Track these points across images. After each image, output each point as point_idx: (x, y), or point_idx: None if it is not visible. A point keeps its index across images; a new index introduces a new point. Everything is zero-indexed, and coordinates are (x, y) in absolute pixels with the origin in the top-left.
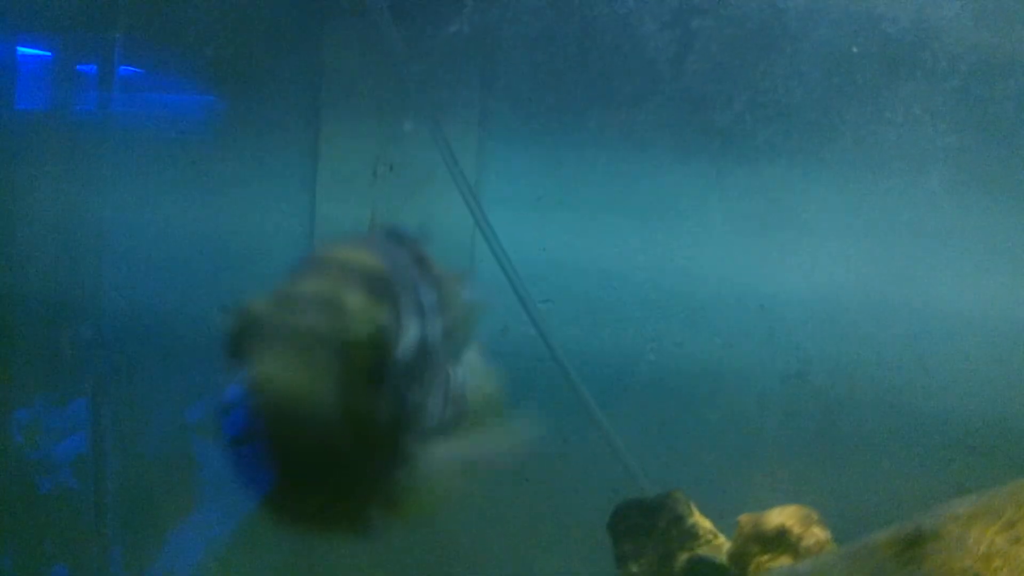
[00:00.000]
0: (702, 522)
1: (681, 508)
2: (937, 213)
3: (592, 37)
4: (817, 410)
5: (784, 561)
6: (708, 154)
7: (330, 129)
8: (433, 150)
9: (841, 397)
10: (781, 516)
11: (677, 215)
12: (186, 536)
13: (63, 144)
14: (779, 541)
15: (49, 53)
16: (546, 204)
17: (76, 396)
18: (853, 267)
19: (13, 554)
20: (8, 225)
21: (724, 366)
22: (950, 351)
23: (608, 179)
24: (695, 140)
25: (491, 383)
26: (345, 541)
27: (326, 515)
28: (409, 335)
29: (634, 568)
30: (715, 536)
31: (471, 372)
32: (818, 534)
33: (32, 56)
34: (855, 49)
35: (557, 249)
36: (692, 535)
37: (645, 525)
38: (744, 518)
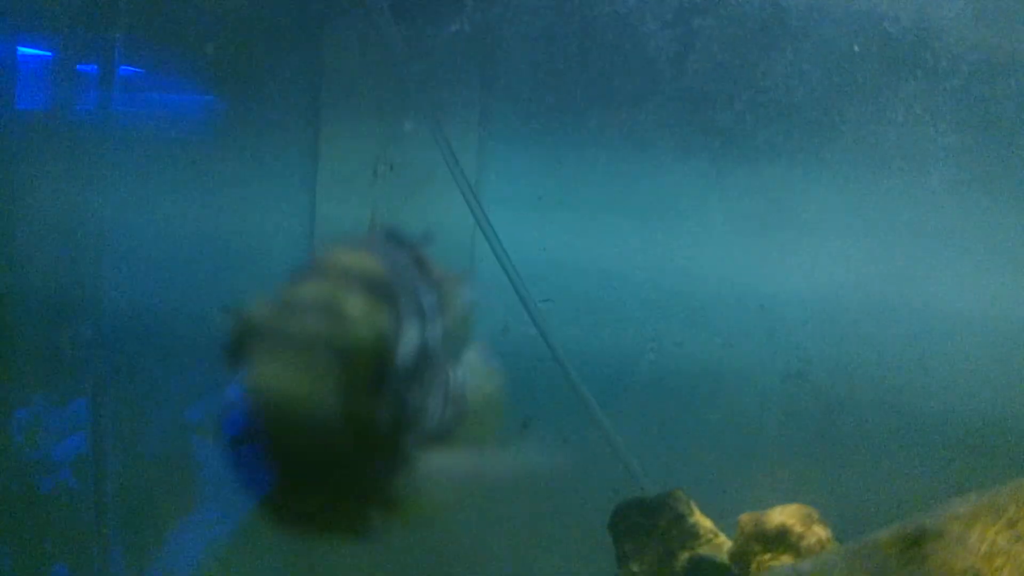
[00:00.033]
0: (703, 521)
1: (682, 507)
2: (938, 213)
3: (593, 36)
4: (817, 410)
5: (785, 560)
6: (709, 154)
7: (330, 129)
8: (433, 150)
9: (841, 397)
10: (782, 515)
11: (677, 215)
12: (186, 536)
13: (63, 144)
14: (780, 540)
15: (49, 53)
16: (546, 204)
17: (76, 396)
18: (853, 267)
19: (13, 554)
20: (8, 225)
21: (724, 366)
22: (950, 351)
23: (608, 179)
24: (696, 140)
25: (491, 382)
26: (345, 543)
27: (327, 518)
28: (410, 338)
29: (635, 567)
30: (716, 535)
31: (471, 372)
32: (819, 533)
33: (33, 56)
34: (856, 48)
35: (557, 249)
36: (693, 534)
37: (646, 524)
38: (745, 517)
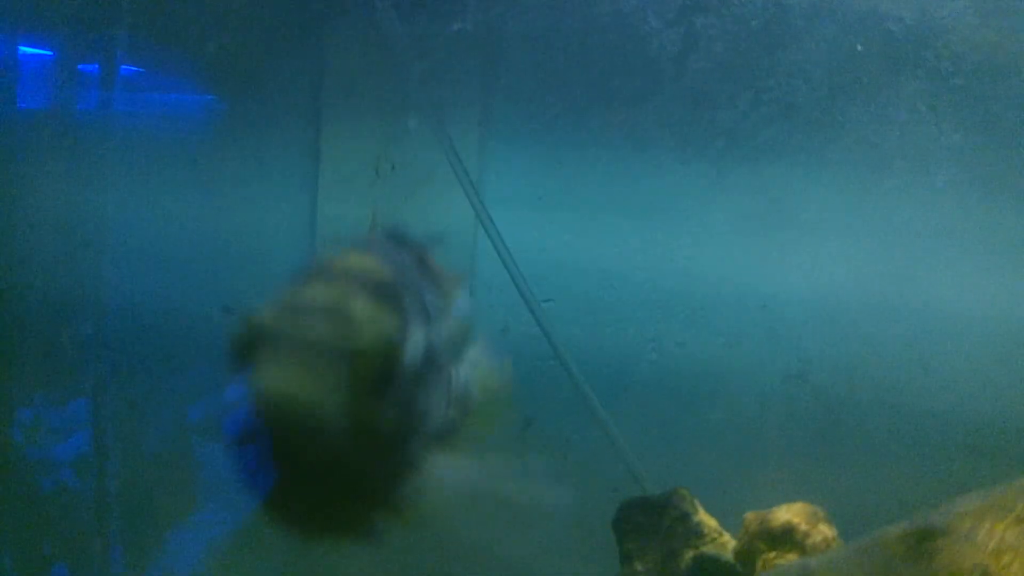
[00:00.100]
0: (707, 520)
1: (686, 506)
2: (939, 213)
3: (594, 35)
4: (818, 410)
5: (790, 558)
6: (710, 153)
7: (331, 128)
8: (435, 149)
9: (842, 397)
10: (788, 513)
11: (679, 215)
12: (187, 536)
13: (64, 143)
14: (786, 538)
15: (51, 52)
16: (547, 203)
17: (77, 395)
18: (855, 267)
19: (14, 554)
20: (9, 224)
21: (725, 366)
22: (951, 351)
23: (609, 178)
24: (697, 139)
25: (496, 378)
26: (349, 545)
27: (332, 520)
28: (415, 341)
29: (639, 566)
30: (720, 534)
31: (474, 369)
32: (825, 531)
33: (34, 55)
34: (859, 48)
35: (558, 249)
36: (697, 533)
37: (650, 523)
38: (750, 516)
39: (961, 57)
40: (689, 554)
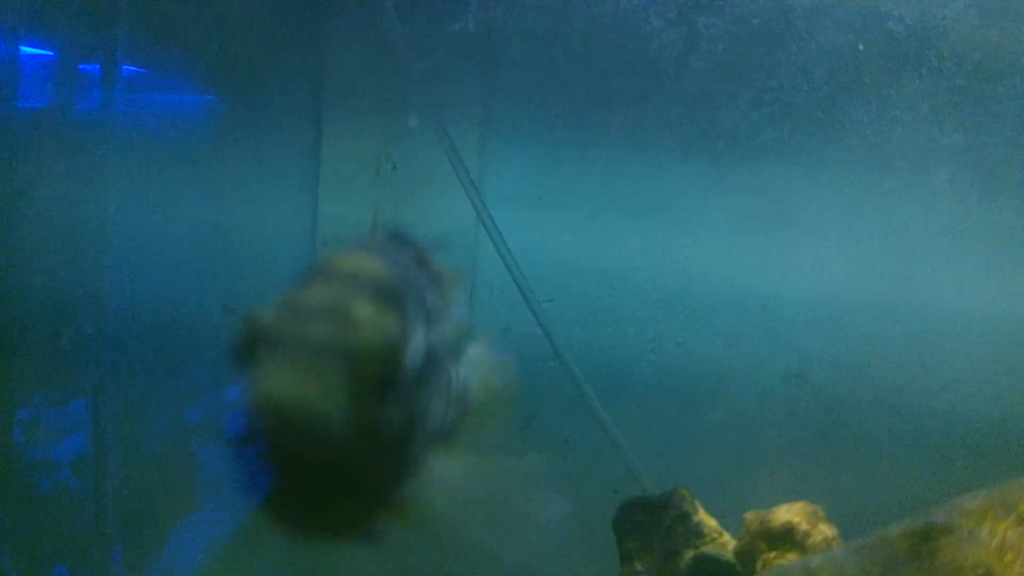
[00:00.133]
0: (707, 520)
1: (686, 506)
2: (940, 212)
3: (596, 35)
4: (818, 410)
5: (791, 558)
6: (711, 153)
7: (332, 128)
8: (435, 148)
9: (842, 397)
10: (788, 513)
11: (679, 215)
12: (187, 536)
13: (65, 143)
14: (786, 538)
15: (51, 52)
16: (547, 203)
17: (77, 395)
18: (855, 267)
19: (13, 553)
20: (10, 224)
21: (726, 366)
22: (951, 351)
23: (610, 178)
24: (698, 139)
25: (497, 377)
26: (350, 546)
27: (334, 521)
28: (417, 342)
29: (639, 566)
30: (720, 534)
31: (475, 369)
32: (825, 531)
33: (34, 55)
34: (860, 47)
35: (558, 249)
36: (697, 533)
37: (650, 523)
38: (750, 515)
39: (962, 57)
40: (689, 554)
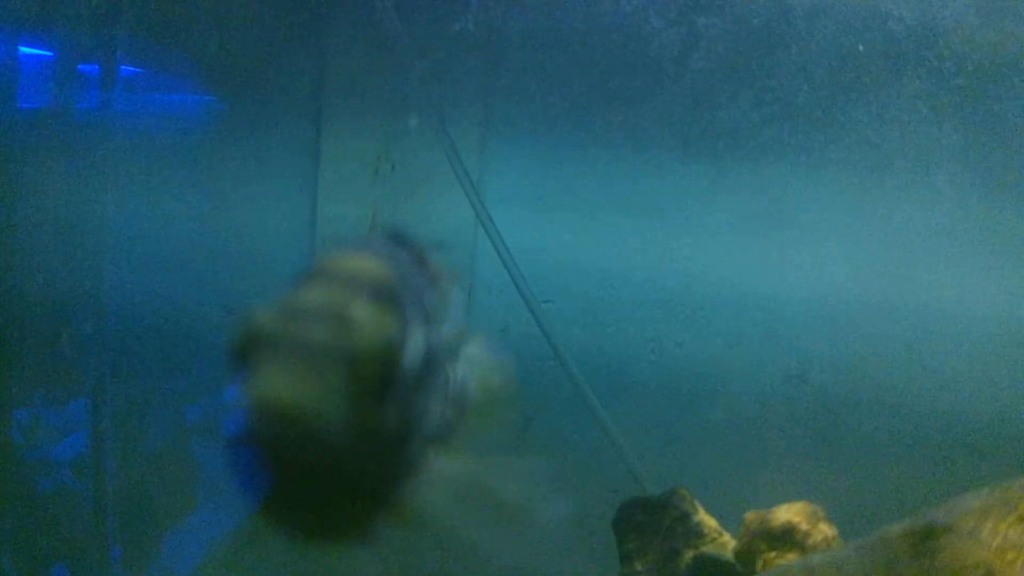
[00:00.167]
0: (707, 520)
1: (686, 506)
2: (940, 212)
3: (596, 35)
4: (818, 410)
5: (791, 558)
6: (711, 153)
7: (332, 128)
8: (435, 148)
9: (842, 397)
10: (788, 513)
11: (679, 215)
12: (186, 536)
13: (65, 144)
14: (786, 538)
15: (51, 53)
16: (547, 204)
17: (76, 395)
18: (855, 267)
19: (13, 554)
20: (9, 224)
21: (725, 366)
22: (951, 351)
23: (610, 178)
24: (699, 139)
25: (497, 377)
26: (349, 548)
27: (333, 524)
28: (416, 343)
29: (639, 566)
30: (720, 534)
31: (473, 368)
32: (825, 531)
33: (34, 56)
34: (861, 47)
35: (558, 249)
36: (697, 533)
37: (650, 523)
38: (750, 515)
39: (962, 57)
40: (689, 554)
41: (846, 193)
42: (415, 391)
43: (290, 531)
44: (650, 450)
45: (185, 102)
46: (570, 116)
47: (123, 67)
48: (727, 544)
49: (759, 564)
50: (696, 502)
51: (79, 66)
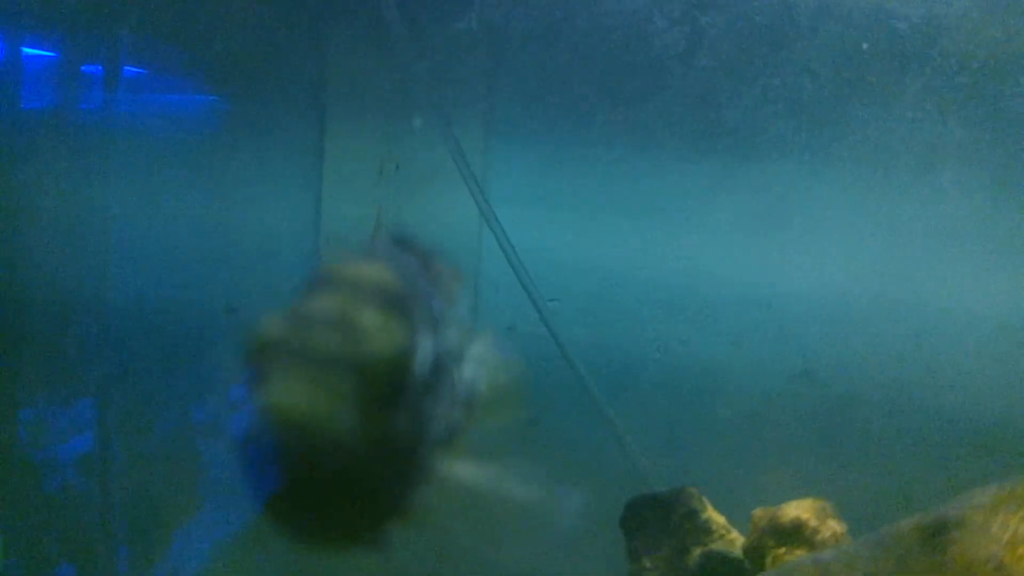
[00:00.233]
0: (716, 517)
1: (694, 503)
2: (945, 210)
3: (600, 33)
4: (824, 408)
5: (800, 554)
6: (716, 152)
7: (335, 128)
8: (439, 148)
9: (848, 395)
10: (797, 509)
11: (683, 213)
12: (192, 536)
13: (68, 144)
14: (795, 534)
15: (54, 53)
16: (551, 203)
17: (81, 395)
18: (860, 265)
19: (19, 553)
20: (14, 224)
21: (730, 365)
22: (957, 349)
23: (614, 177)
24: (703, 138)
25: (504, 375)
26: (358, 552)
27: (343, 530)
28: (424, 349)
29: (647, 563)
30: (729, 531)
31: (480, 369)
32: (834, 527)
33: (37, 56)
34: (865, 46)
35: (562, 248)
36: (706, 530)
37: (658, 520)
38: (758, 512)
39: (966, 54)
40: (698, 551)
41: (850, 191)
42: (424, 397)
43: (301, 536)
44: (655, 448)
45: (189, 102)
46: (573, 115)
47: (127, 67)
48: (736, 541)
49: (768, 561)
50: (704, 499)
51: (83, 66)
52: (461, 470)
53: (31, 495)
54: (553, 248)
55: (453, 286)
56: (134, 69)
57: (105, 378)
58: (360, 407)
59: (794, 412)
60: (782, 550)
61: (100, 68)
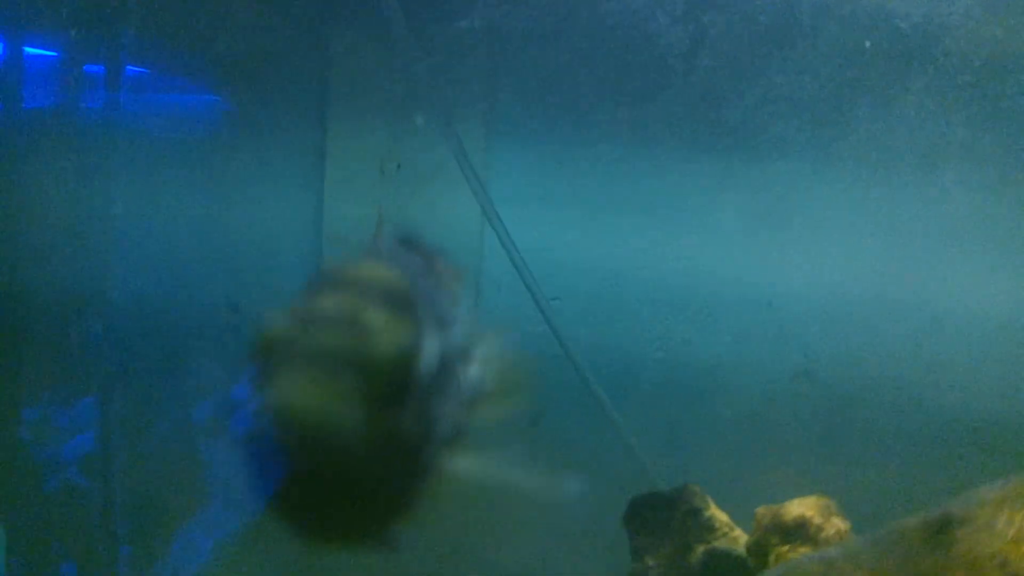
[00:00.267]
0: (719, 515)
1: (697, 501)
2: (947, 209)
3: (602, 32)
4: (825, 407)
5: (803, 552)
6: (718, 151)
7: (337, 127)
8: (441, 147)
9: (850, 394)
10: (801, 507)
11: (685, 212)
12: (194, 535)
13: (70, 144)
14: (799, 532)
15: (56, 53)
16: (553, 202)
17: (84, 394)
18: (862, 264)
19: (21, 552)
20: (16, 224)
21: (732, 363)
22: (959, 348)
23: (615, 176)
24: (705, 137)
25: (510, 371)
26: (363, 552)
27: (349, 530)
28: (431, 349)
29: (650, 561)
30: (732, 529)
31: (484, 367)
32: (838, 524)
33: (39, 56)
34: (867, 44)
35: (564, 247)
36: (709, 528)
37: (661, 518)
38: (762, 510)
39: (969, 54)
40: (701, 549)
41: (852, 190)
42: (430, 395)
43: (306, 535)
44: (657, 447)
45: (191, 102)
46: (575, 114)
47: (129, 67)
48: (739, 539)
49: (772, 559)
50: (707, 497)
51: (85, 66)
52: (466, 466)
53: (33, 494)
54: (554, 247)
55: (457, 285)
56: (136, 69)
57: (107, 377)
58: (366, 405)
59: (795, 411)
60: (786, 548)
61: (102, 68)
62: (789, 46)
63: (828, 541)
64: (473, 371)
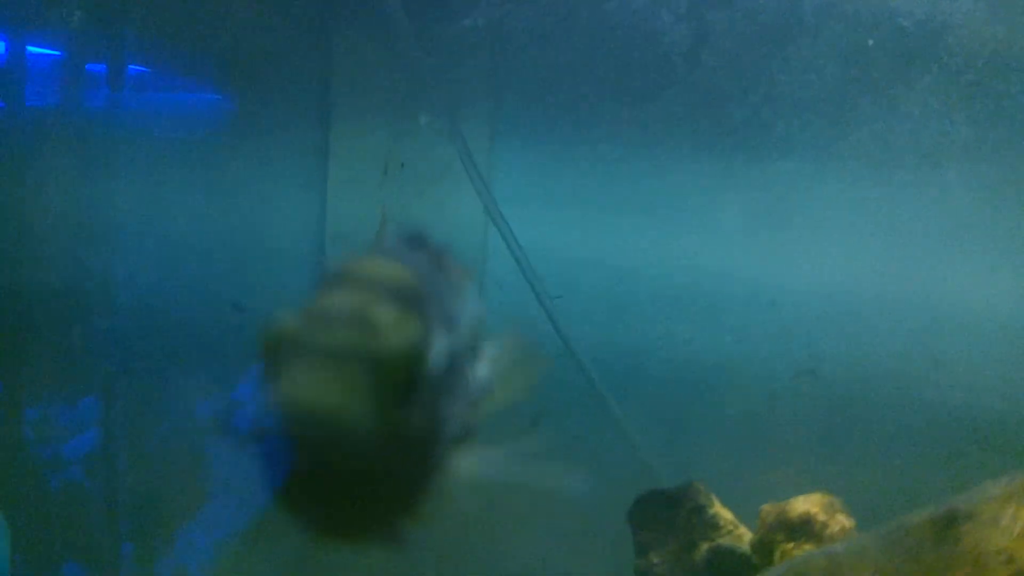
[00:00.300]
0: (723, 512)
1: (701, 499)
2: (951, 207)
3: (606, 31)
4: (828, 405)
5: (808, 549)
6: (722, 149)
7: (340, 126)
8: (445, 146)
9: (853, 392)
10: (805, 504)
11: (689, 211)
12: (197, 533)
13: (74, 143)
14: (804, 529)
15: (59, 52)
16: (556, 200)
17: (87, 392)
18: (866, 262)
19: (25, 551)
20: (20, 222)
21: (736, 361)
22: (963, 346)
23: (619, 175)
24: (709, 135)
25: (519, 367)
26: (372, 550)
27: (358, 527)
28: (439, 346)
29: (655, 558)
30: (736, 526)
31: (492, 364)
32: (843, 521)
33: (42, 55)
34: (870, 43)
35: (568, 246)
36: (713, 525)
37: (666, 516)
38: (767, 507)
39: (971, 53)
40: (705, 546)
41: (856, 188)
42: (439, 392)
43: (315, 532)
44: (661, 445)
45: (194, 101)
46: (579, 113)
47: (132, 66)
48: (743, 536)
49: (776, 556)
50: (712, 495)
51: (88, 65)
52: (474, 463)
53: (36, 492)
54: (558, 246)
55: (464, 282)
56: (139, 68)
57: (110, 376)
58: (376, 401)
59: (799, 408)
60: (790, 545)
61: (105, 67)
62: (792, 45)
63: (833, 538)
64: (481, 368)
